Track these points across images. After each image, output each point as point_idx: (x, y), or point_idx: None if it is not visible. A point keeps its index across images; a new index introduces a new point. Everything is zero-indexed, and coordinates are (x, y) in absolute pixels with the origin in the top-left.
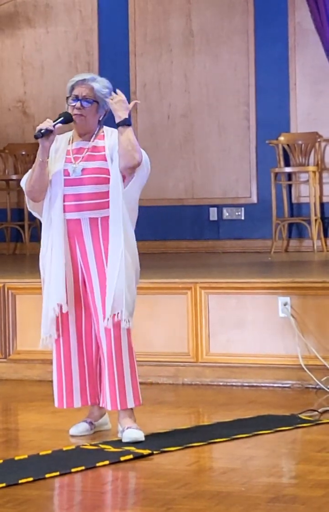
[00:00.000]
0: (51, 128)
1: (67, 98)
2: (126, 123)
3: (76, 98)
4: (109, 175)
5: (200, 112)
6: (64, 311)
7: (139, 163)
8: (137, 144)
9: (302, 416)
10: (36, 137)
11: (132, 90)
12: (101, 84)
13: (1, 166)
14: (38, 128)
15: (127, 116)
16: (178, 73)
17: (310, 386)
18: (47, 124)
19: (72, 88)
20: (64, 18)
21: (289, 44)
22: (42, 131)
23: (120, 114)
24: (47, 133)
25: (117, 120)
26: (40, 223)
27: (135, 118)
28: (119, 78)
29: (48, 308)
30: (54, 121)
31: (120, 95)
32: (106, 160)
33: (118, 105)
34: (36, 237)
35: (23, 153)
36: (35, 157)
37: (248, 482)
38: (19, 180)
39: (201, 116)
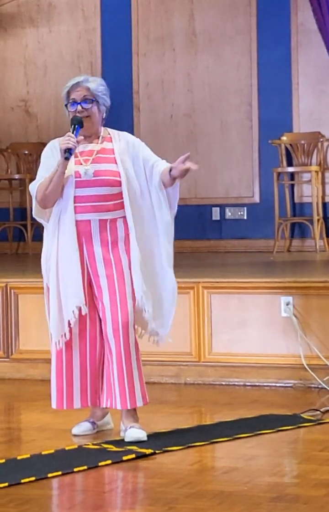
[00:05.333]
0: (76, 144)
1: (66, 105)
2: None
3: (75, 102)
4: (120, 177)
5: (203, 112)
6: (83, 313)
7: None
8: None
9: (304, 415)
10: (67, 158)
11: (135, 90)
12: (96, 83)
13: (4, 166)
14: (64, 148)
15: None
16: (181, 73)
17: (312, 385)
18: (72, 141)
19: (68, 93)
20: (67, 17)
21: (291, 44)
22: (71, 151)
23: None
24: (74, 151)
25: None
26: None
27: (138, 117)
28: (122, 77)
29: (66, 310)
30: (72, 133)
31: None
32: (116, 163)
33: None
34: (38, 236)
35: (26, 152)
36: (38, 156)
37: (250, 481)
38: (21, 180)
39: (203, 116)
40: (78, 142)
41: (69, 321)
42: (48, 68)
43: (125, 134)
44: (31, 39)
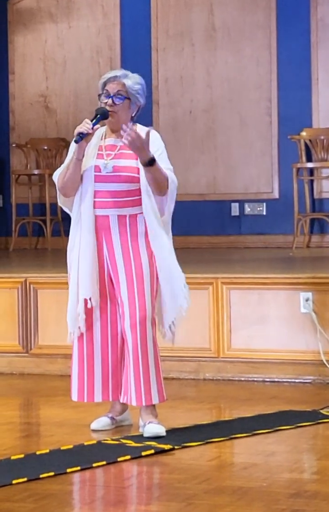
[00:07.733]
0: (90, 131)
1: (99, 95)
2: (149, 164)
3: (108, 95)
4: (138, 174)
5: (222, 107)
6: (89, 306)
7: (165, 193)
8: (165, 175)
9: (324, 411)
10: (76, 142)
11: (154, 85)
12: (133, 81)
13: (23, 161)
14: (77, 131)
15: (150, 156)
16: (200, 68)
17: None
18: (86, 126)
19: (104, 85)
20: (87, 13)
21: (311, 39)
22: (82, 135)
23: (142, 157)
24: (86, 136)
25: (140, 161)
26: (62, 218)
27: (157, 113)
28: (141, 73)
29: (77, 302)
30: (91, 120)
31: (130, 133)
32: (136, 159)
33: (133, 146)
34: (58, 231)
35: (45, 148)
36: (57, 152)
37: (269, 477)
38: (40, 175)
39: (222, 111)
40: (93, 130)
41: (85, 313)
42: (67, 63)
43: (151, 132)
44: (50, 35)
